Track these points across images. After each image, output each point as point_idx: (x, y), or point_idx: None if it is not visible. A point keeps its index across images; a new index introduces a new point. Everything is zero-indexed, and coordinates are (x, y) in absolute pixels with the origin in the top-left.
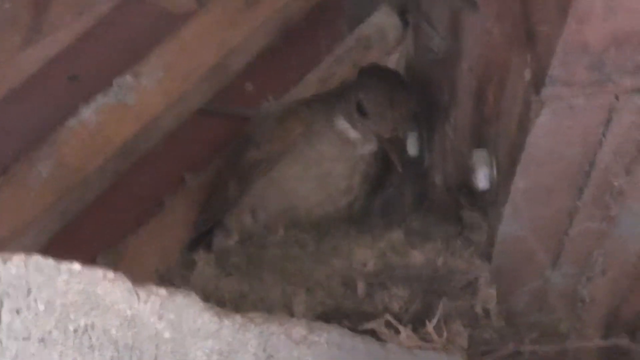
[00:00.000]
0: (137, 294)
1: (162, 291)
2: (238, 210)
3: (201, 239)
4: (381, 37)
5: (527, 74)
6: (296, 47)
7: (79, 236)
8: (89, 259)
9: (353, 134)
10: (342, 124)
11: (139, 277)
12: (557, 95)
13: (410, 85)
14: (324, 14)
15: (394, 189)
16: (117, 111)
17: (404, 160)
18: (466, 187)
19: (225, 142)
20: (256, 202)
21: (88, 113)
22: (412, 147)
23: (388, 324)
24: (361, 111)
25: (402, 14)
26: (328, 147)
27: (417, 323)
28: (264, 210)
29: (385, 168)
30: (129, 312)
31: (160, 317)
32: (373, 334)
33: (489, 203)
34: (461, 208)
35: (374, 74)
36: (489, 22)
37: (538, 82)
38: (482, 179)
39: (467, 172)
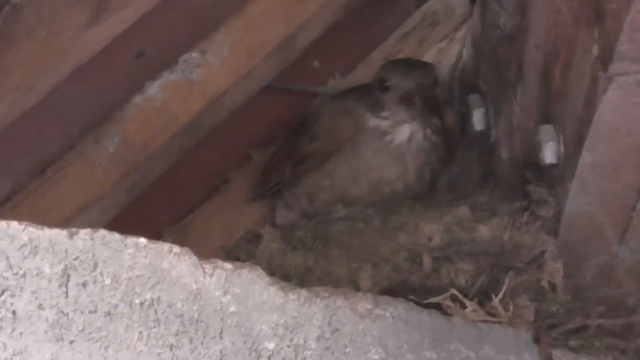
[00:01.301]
0: (203, 268)
1: (228, 265)
2: (295, 192)
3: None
4: (448, 13)
5: (595, 51)
6: (362, 24)
7: (145, 212)
8: (155, 235)
9: (384, 124)
10: (371, 117)
11: (204, 252)
12: (625, 72)
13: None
14: None
15: (460, 165)
16: (183, 88)
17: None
18: (533, 162)
19: (290, 119)
20: (311, 189)
21: (154, 90)
22: (478, 123)
23: (454, 298)
24: (384, 87)
25: None
26: (374, 155)
27: (483, 297)
28: (319, 198)
29: (449, 147)
30: (194, 286)
31: (225, 291)
32: (439, 308)
33: (555, 178)
34: (528, 183)
35: (390, 60)
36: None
37: (605, 59)
38: (549, 154)
39: (533, 148)
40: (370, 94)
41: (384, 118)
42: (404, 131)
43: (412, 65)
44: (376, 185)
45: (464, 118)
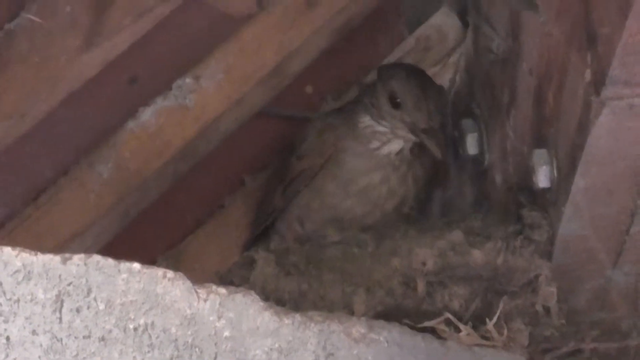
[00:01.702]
0: (197, 293)
1: (222, 290)
2: (287, 217)
3: (258, 241)
4: (441, 38)
5: (588, 75)
6: (356, 48)
7: (139, 238)
8: (150, 260)
9: (379, 128)
10: (367, 121)
11: (199, 277)
12: (618, 96)
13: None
14: (384, 16)
15: (454, 190)
16: (176, 113)
17: (444, 151)
18: (526, 186)
19: (284, 144)
20: (302, 212)
21: (148, 115)
22: (472, 147)
23: (448, 322)
24: (394, 102)
25: (462, 15)
26: (358, 161)
27: (477, 321)
28: (310, 220)
29: (439, 168)
30: (188, 311)
31: (220, 316)
32: (433, 332)
33: (549, 202)
34: (521, 207)
35: (401, 68)
36: (549, 23)
37: (598, 83)
38: (542, 179)
39: (527, 172)
40: (372, 97)
41: (380, 125)
42: (396, 145)
43: (426, 91)
44: (363, 193)
45: (458, 142)
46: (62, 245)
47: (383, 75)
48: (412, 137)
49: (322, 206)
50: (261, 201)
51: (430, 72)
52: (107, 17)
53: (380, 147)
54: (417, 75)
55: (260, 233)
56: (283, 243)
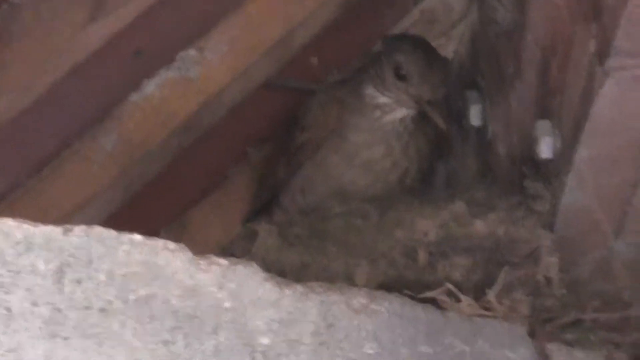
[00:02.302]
0: (198, 264)
1: (223, 261)
2: (290, 189)
3: (260, 213)
4: (446, 10)
5: (592, 46)
6: (361, 20)
7: (142, 210)
8: (153, 232)
9: (382, 99)
10: (371, 92)
11: (201, 249)
12: (622, 66)
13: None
14: None
15: (457, 161)
16: (180, 85)
17: (447, 122)
18: (530, 157)
19: (289, 116)
20: (305, 184)
21: (151, 88)
22: (475, 118)
23: (449, 293)
24: (399, 74)
25: None
26: (362, 134)
27: (478, 292)
28: (313, 192)
29: (442, 140)
30: (189, 282)
31: (220, 287)
32: (434, 302)
33: (552, 173)
34: (524, 178)
35: (407, 40)
36: None
37: (602, 53)
38: (545, 149)
39: (530, 143)
40: (377, 68)
41: (384, 95)
42: (399, 113)
43: (432, 63)
44: (367, 165)
45: (461, 113)
46: (65, 218)
47: (388, 46)
48: (416, 108)
49: (326, 178)
50: (264, 173)
51: (435, 43)
52: None
53: (382, 116)
54: (422, 48)
55: (263, 206)
56: (286, 215)
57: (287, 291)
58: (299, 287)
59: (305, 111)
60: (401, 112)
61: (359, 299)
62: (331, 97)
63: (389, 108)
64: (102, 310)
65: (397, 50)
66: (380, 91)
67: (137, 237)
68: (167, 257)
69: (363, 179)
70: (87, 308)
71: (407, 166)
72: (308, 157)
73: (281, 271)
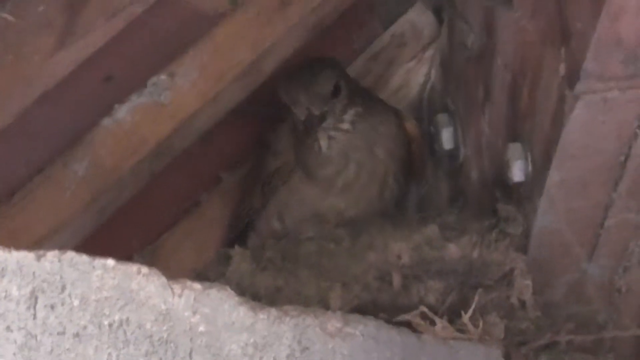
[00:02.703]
0: (172, 288)
1: (197, 285)
2: (266, 215)
3: (236, 241)
4: (415, 34)
5: (562, 69)
6: (330, 46)
7: (115, 235)
8: (126, 257)
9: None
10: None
11: (175, 275)
12: (592, 90)
13: (329, 62)
14: (358, 13)
15: (429, 185)
16: (152, 111)
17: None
18: (501, 181)
19: (260, 142)
20: (281, 209)
21: (123, 113)
22: (447, 142)
23: (424, 316)
24: (292, 110)
25: (437, 11)
26: (326, 166)
27: (453, 315)
28: (291, 217)
29: (414, 163)
30: (163, 307)
31: (194, 311)
32: (409, 326)
33: (524, 196)
34: (496, 202)
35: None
36: (523, 19)
37: (572, 77)
38: (517, 172)
39: (502, 166)
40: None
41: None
42: (322, 141)
43: (300, 79)
44: (345, 189)
45: (433, 137)
46: (38, 243)
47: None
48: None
49: (302, 204)
50: (238, 202)
51: (405, 67)
52: (81, 17)
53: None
54: (297, 70)
55: (239, 233)
56: (261, 240)
57: (262, 315)
58: (273, 311)
59: (278, 137)
60: (333, 131)
61: (334, 322)
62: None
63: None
64: (76, 335)
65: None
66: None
67: (110, 262)
68: (140, 281)
69: (343, 203)
70: (61, 333)
71: (384, 173)
72: (283, 183)
73: (255, 295)
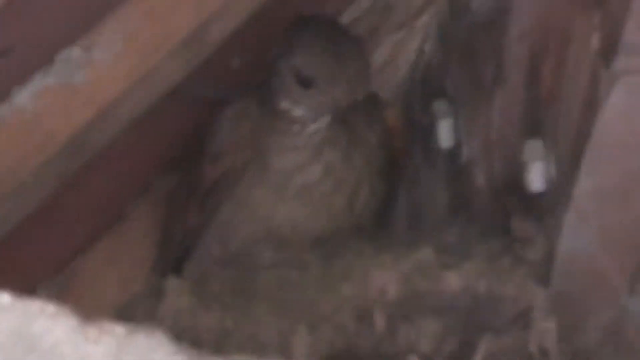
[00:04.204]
0: (86, 333)
1: (119, 329)
2: (206, 239)
3: (169, 267)
4: None
5: (595, 41)
6: (295, 11)
7: (15, 259)
8: (27, 289)
9: (297, 111)
10: (285, 105)
11: (91, 312)
12: (634, 68)
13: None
14: None
15: (422, 192)
16: (61, 95)
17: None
18: (516, 188)
19: (204, 134)
20: (225, 230)
21: (23, 98)
22: (445, 137)
23: None
24: (304, 82)
25: None
26: (289, 157)
27: None
28: (237, 238)
29: (403, 163)
30: (75, 357)
31: None
32: None
33: (545, 210)
34: (510, 216)
35: (306, 29)
36: None
37: (609, 52)
38: (536, 178)
39: (517, 170)
40: (278, 77)
41: (298, 108)
42: (322, 121)
43: (341, 56)
44: (302, 194)
45: (428, 131)
46: None
47: (285, 45)
48: (338, 117)
49: (252, 219)
50: (169, 218)
51: (392, 39)
52: None
53: (302, 130)
54: (325, 35)
55: (171, 260)
56: (201, 267)
57: None
58: None
59: (212, 136)
60: (325, 120)
61: None
62: (241, 112)
63: (308, 120)
64: None
65: (294, 51)
66: (292, 103)
67: (5, 298)
68: (45, 324)
69: (301, 213)
70: None
71: (356, 183)
72: (225, 197)
73: (196, 340)
